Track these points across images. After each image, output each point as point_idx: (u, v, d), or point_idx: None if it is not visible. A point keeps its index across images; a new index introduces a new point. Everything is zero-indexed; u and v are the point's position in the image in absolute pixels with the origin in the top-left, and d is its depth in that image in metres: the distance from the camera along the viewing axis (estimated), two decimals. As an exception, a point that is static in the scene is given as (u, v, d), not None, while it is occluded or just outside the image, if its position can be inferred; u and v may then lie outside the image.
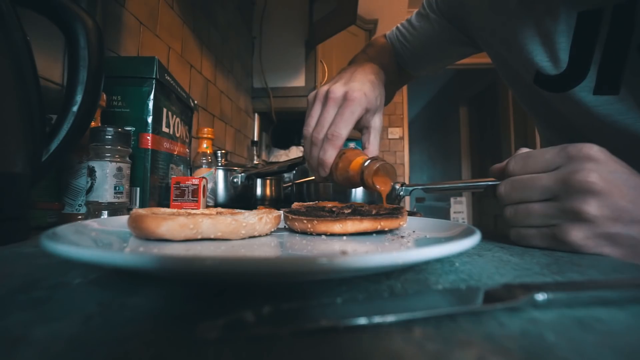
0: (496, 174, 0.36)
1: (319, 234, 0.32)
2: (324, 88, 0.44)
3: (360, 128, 0.47)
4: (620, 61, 0.37)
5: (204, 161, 0.78)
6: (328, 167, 0.42)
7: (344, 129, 0.41)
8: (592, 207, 0.27)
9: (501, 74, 0.56)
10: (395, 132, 3.24)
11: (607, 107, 0.39)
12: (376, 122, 0.46)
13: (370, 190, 0.40)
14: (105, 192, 0.43)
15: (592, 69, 0.39)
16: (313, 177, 1.07)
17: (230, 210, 0.37)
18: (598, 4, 0.37)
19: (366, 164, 0.39)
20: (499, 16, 0.47)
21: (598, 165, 0.28)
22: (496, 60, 0.54)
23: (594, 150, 0.28)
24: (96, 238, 0.26)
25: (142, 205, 0.53)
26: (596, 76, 0.39)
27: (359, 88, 0.42)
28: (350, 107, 0.41)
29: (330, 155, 0.41)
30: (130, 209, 0.34)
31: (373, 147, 0.46)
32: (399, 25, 0.68)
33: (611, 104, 0.38)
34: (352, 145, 2.06)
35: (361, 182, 0.40)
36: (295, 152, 1.85)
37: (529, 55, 0.43)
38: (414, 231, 0.35)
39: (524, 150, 0.33)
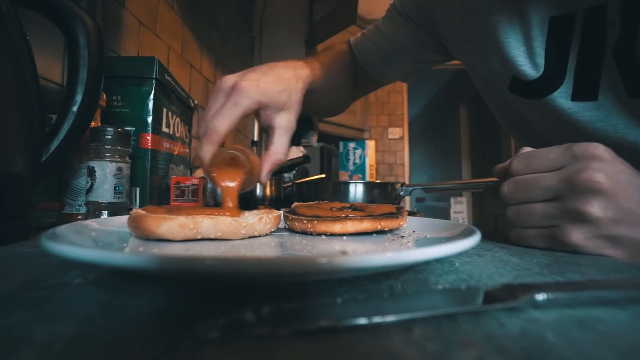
0: (499, 173, 0.35)
1: (319, 234, 0.32)
2: (220, 80, 0.39)
3: (264, 127, 0.41)
4: (597, 66, 0.36)
5: (204, 161, 0.78)
6: (205, 165, 0.37)
7: (223, 122, 0.35)
8: (595, 208, 0.27)
9: (474, 82, 0.54)
10: (395, 132, 3.24)
11: (586, 113, 0.38)
12: (281, 120, 0.39)
13: (218, 186, 0.36)
14: (105, 192, 0.43)
15: (569, 74, 0.38)
16: (313, 177, 1.07)
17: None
18: (569, 8, 0.37)
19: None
20: (470, 17, 0.46)
21: (604, 165, 0.27)
22: (468, 67, 0.52)
23: (600, 149, 0.28)
24: (96, 238, 0.26)
25: (142, 205, 0.53)
26: (573, 82, 0.38)
27: (253, 78, 0.37)
28: (234, 97, 0.36)
29: (206, 151, 0.36)
30: (130, 209, 0.34)
31: (275, 148, 0.39)
32: (364, 31, 0.66)
33: (590, 110, 0.38)
34: (351, 145, 2.05)
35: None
36: (295, 152, 1.85)
37: (506, 57, 0.42)
38: (414, 231, 0.35)
39: (527, 149, 0.32)
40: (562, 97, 0.39)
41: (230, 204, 0.35)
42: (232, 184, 0.35)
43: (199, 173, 0.75)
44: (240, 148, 0.38)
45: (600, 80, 0.36)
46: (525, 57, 0.41)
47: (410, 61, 0.63)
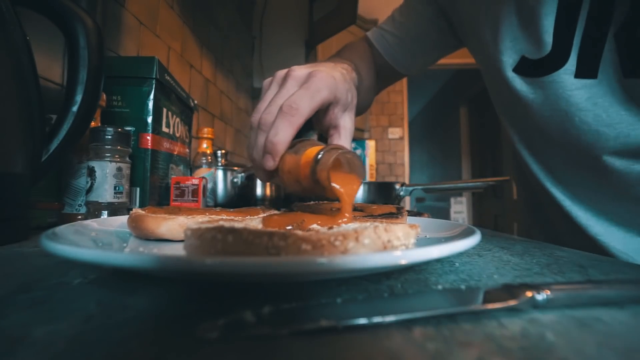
0: None
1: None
2: (283, 71, 0.36)
3: (326, 128, 0.39)
4: (599, 47, 0.37)
5: (204, 161, 0.78)
6: (278, 154, 0.31)
7: (306, 102, 0.32)
8: None
9: (481, 70, 0.54)
10: (395, 132, 3.24)
11: (586, 90, 0.39)
12: (347, 121, 0.38)
13: (326, 192, 0.30)
14: (105, 192, 0.43)
15: (573, 52, 0.39)
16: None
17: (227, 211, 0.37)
18: None
19: (321, 154, 0.29)
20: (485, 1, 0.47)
21: None
22: (476, 51, 0.53)
23: None
24: (96, 238, 0.26)
25: (142, 205, 0.53)
26: (577, 59, 0.39)
27: (328, 71, 0.35)
28: (316, 83, 0.33)
29: (283, 135, 0.31)
30: (130, 209, 0.34)
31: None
32: (381, 25, 0.66)
33: (591, 87, 0.39)
34: (351, 145, 2.05)
35: (313, 181, 0.29)
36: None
37: (518, 35, 0.43)
38: (414, 231, 0.35)
39: None
40: (566, 74, 0.40)
41: (346, 216, 0.29)
42: (346, 189, 0.30)
43: (199, 173, 0.75)
44: (339, 145, 0.31)
45: (600, 59, 0.38)
46: (536, 35, 0.41)
47: (433, 47, 0.63)
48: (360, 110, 0.66)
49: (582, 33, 0.38)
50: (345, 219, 0.29)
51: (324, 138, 0.41)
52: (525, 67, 0.44)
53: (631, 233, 0.42)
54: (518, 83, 0.45)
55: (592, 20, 0.38)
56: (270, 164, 0.31)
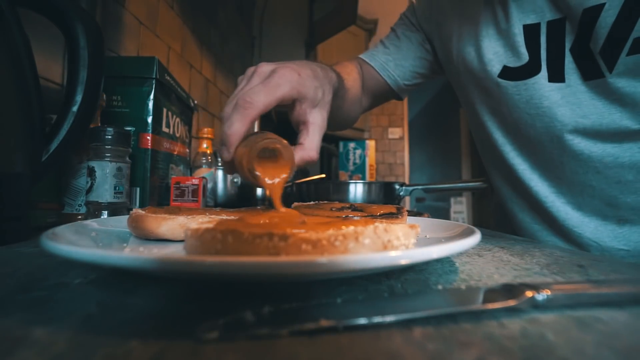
0: None
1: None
2: (253, 67, 0.39)
3: (296, 123, 0.39)
4: (560, 59, 0.46)
5: (204, 161, 0.78)
6: (232, 145, 0.32)
7: (261, 96, 0.33)
8: None
9: (459, 81, 0.60)
10: (395, 132, 3.24)
11: (559, 91, 0.47)
12: (316, 117, 0.38)
13: (257, 184, 0.32)
14: (105, 192, 0.43)
15: (543, 62, 0.48)
16: (313, 177, 1.07)
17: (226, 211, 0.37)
18: (536, 19, 0.47)
19: (249, 144, 0.30)
20: (468, 20, 0.55)
21: None
22: (460, 65, 0.58)
23: None
24: (96, 238, 0.26)
25: (142, 205, 0.53)
26: (547, 69, 0.47)
27: (294, 68, 0.37)
28: (276, 79, 0.35)
29: (236, 128, 0.32)
30: (130, 209, 0.34)
31: (310, 144, 0.37)
32: (374, 47, 0.70)
33: (562, 89, 0.46)
34: (351, 145, 2.05)
35: (248, 172, 0.31)
36: (295, 152, 1.85)
37: (499, 49, 0.51)
38: (414, 231, 0.35)
39: None
40: (543, 78, 0.48)
41: (281, 208, 0.30)
42: (277, 182, 0.31)
43: (199, 173, 0.75)
44: (276, 137, 0.32)
45: (564, 68, 0.46)
46: (514, 49, 0.50)
47: (421, 66, 0.68)
48: (346, 122, 0.70)
49: (546, 50, 0.47)
50: (277, 215, 0.28)
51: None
52: (508, 74, 0.51)
53: (605, 222, 0.47)
54: (502, 87, 0.51)
55: (551, 41, 0.46)
56: (224, 155, 0.33)
